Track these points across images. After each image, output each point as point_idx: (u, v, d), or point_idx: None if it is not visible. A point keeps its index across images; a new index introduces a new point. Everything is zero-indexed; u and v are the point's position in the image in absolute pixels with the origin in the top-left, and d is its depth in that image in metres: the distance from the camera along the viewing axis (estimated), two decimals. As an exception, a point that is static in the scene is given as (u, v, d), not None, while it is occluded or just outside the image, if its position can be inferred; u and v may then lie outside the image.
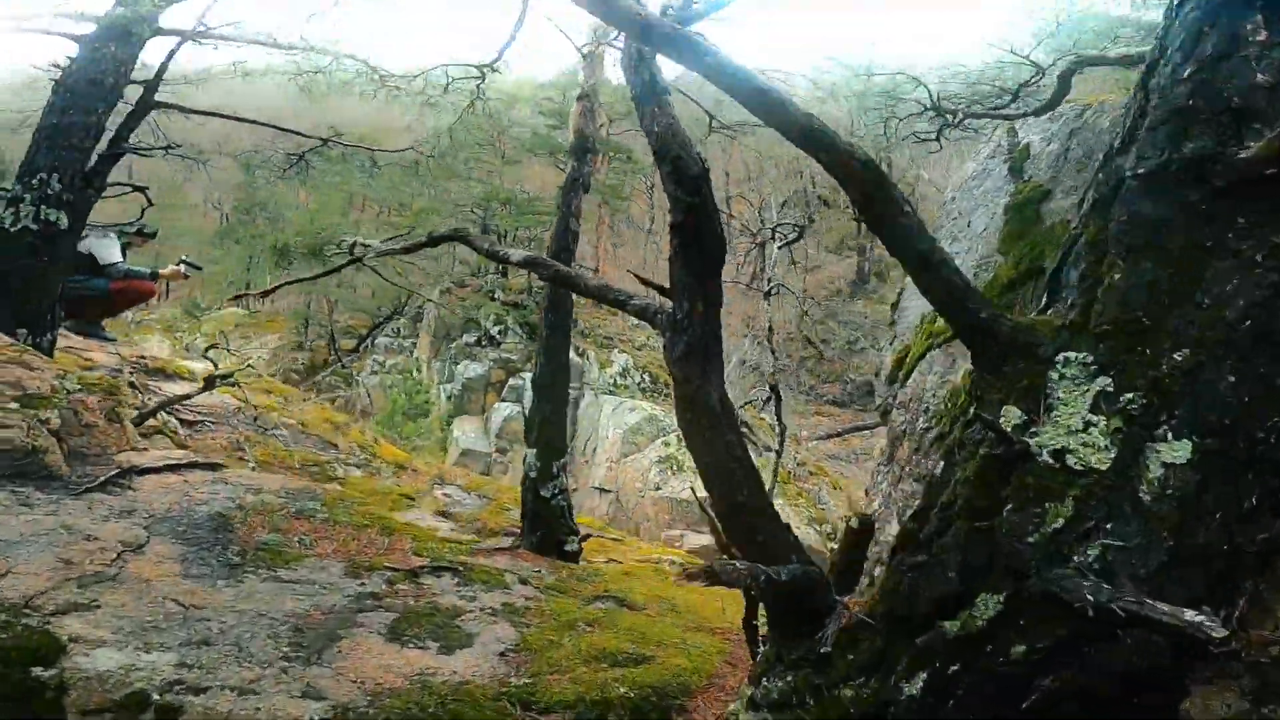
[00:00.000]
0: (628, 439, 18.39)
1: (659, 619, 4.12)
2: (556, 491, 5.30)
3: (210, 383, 6.17)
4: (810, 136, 1.76)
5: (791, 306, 21.69)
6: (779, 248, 7.42)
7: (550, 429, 5.30)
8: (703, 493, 2.35)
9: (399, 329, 25.80)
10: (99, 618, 2.89)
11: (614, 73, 5.98)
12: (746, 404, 18.34)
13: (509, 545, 5.24)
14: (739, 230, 28.07)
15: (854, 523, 2.11)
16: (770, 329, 6.91)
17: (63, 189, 5.44)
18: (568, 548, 5.33)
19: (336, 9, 6.54)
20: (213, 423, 6.91)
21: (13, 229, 5.27)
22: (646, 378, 21.11)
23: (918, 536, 1.77)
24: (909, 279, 2.57)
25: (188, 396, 6.11)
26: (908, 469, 3.69)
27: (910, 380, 4.08)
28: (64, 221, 5.43)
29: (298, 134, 7.62)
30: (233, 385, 6.58)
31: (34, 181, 5.37)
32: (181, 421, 6.83)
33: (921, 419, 3.76)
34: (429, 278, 24.98)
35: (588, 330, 20.96)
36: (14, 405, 4.22)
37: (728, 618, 4.20)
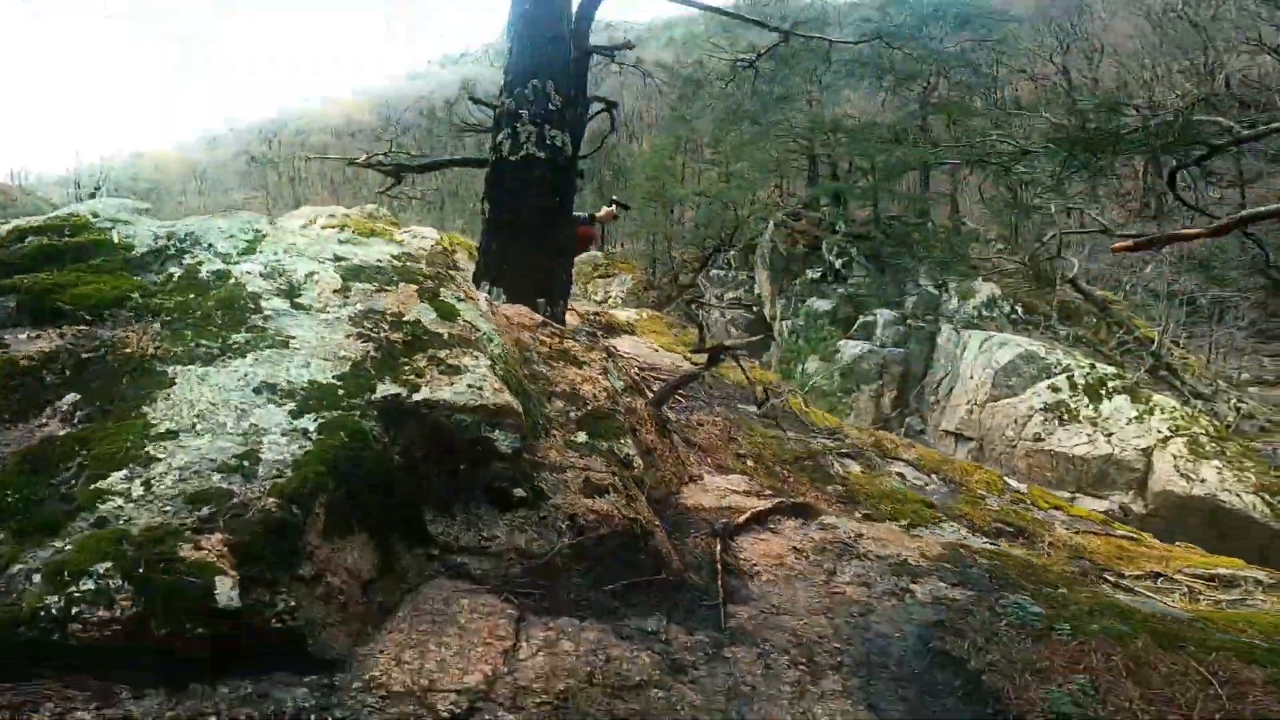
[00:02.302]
0: (999, 380, 14.32)
1: None
2: None
3: (714, 359, 4.10)
4: None
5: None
6: None
7: None
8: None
9: (729, 260, 23.74)
10: None
11: None
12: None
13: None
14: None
15: None
16: None
17: (564, 103, 3.48)
18: None
19: None
20: (681, 397, 5.01)
21: (514, 157, 3.42)
22: (1018, 309, 16.68)
23: None
24: None
25: (692, 377, 4.10)
26: None
27: None
28: (569, 147, 3.50)
29: (759, 24, 5.13)
30: (725, 360, 4.47)
31: (527, 91, 3.46)
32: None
33: None
34: (764, 210, 22.44)
35: (948, 260, 16.99)
36: (582, 436, 2.29)
37: None
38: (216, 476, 1.38)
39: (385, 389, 1.76)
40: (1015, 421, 13.68)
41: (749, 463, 4.46)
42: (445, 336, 2.03)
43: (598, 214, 6.82)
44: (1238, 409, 13.85)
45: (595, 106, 4.36)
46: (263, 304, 1.95)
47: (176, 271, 2.07)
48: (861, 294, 17.90)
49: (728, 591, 2.08)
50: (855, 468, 4.99)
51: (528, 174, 3.36)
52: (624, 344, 5.96)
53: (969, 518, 5.85)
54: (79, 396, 1.58)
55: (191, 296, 1.95)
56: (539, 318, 2.93)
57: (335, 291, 2.12)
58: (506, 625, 1.56)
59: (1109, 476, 11.95)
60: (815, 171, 21.51)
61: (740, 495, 2.90)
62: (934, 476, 6.75)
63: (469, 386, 1.85)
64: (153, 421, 1.49)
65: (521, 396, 2.13)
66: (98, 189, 21.24)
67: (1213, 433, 11.97)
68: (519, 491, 1.85)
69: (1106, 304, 13.81)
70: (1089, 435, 12.73)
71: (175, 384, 1.59)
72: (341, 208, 6.88)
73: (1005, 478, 7.31)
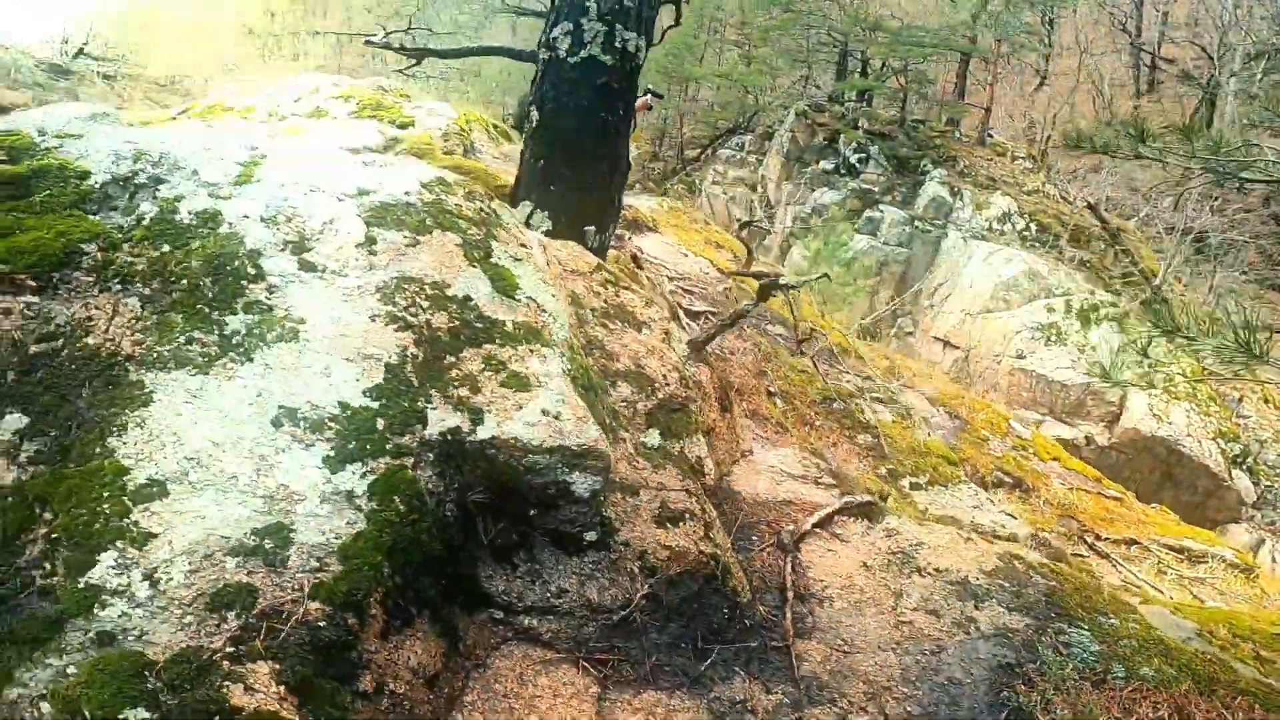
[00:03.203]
0: (998, 294, 13.88)
1: None
2: None
3: (765, 293, 3.62)
4: None
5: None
6: None
7: None
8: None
9: (744, 144, 22.41)
10: None
11: None
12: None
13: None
14: (1177, 75, 19.23)
15: None
16: None
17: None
18: None
19: None
20: (713, 313, 4.59)
21: (573, 58, 2.73)
22: (1033, 227, 15.89)
23: None
24: None
25: (741, 316, 3.63)
26: None
27: None
28: (641, 52, 2.79)
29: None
30: (784, 291, 3.98)
31: (595, -20, 2.70)
32: (687, 313, 4.57)
33: None
34: (786, 98, 20.83)
35: (967, 170, 15.95)
36: (654, 436, 1.88)
37: None
38: (232, 564, 0.98)
39: (440, 419, 1.30)
40: (1004, 337, 13.39)
41: (779, 404, 4.13)
42: (508, 327, 1.55)
43: (632, 101, 5.99)
44: (1220, 351, 13.63)
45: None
46: (265, 264, 1.42)
47: (149, 211, 1.49)
48: (874, 190, 16.99)
49: (796, 621, 1.80)
50: (886, 415, 4.66)
51: (590, 81, 2.67)
52: (651, 244, 5.41)
53: (973, 463, 5.69)
54: (26, 420, 1.11)
55: (168, 250, 1.40)
56: (593, 260, 2.42)
57: (358, 246, 1.59)
58: (590, 710, 1.24)
59: (1085, 406, 11.82)
60: (844, 66, 19.62)
61: (796, 480, 2.57)
62: (940, 409, 6.52)
63: (544, 414, 1.40)
64: (126, 464, 1.05)
65: (591, 394, 1.70)
66: (85, 45, 18.75)
67: (1189, 374, 11.79)
68: (590, 535, 1.48)
69: (1119, 232, 13.17)
70: (1073, 361, 12.52)
71: (154, 403, 1.13)
72: (348, 78, 6.01)
73: (1011, 420, 7.13)
